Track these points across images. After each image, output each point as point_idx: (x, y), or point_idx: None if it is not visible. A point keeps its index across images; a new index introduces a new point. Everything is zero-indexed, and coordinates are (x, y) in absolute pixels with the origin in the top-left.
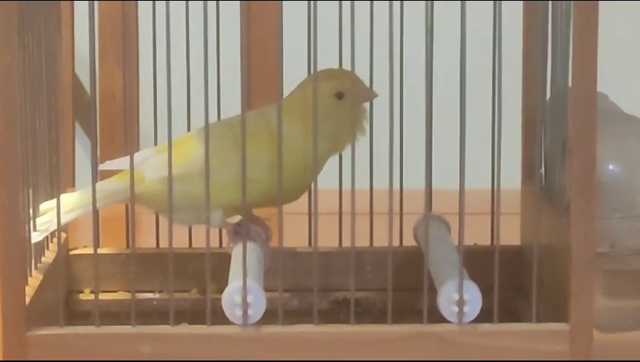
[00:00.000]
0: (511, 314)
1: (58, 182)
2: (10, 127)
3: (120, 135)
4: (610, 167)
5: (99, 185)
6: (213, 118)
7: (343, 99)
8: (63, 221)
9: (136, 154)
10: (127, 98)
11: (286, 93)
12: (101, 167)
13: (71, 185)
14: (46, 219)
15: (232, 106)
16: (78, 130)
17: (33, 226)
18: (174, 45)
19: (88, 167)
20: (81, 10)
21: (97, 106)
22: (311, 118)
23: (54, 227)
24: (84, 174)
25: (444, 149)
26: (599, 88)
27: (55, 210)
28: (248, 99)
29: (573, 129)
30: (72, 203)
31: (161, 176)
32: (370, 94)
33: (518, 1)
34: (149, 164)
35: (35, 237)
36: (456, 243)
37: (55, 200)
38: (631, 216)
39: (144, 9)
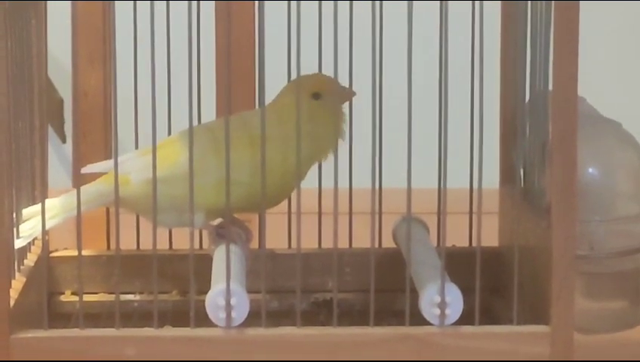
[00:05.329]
0: (488, 314)
1: (42, 186)
2: None
3: (92, 133)
4: (590, 170)
5: (82, 188)
6: (185, 123)
7: (320, 99)
8: (47, 227)
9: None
10: (113, 102)
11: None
12: (83, 170)
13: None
14: (29, 224)
15: (204, 112)
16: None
17: (16, 232)
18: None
19: (58, 166)
20: (52, 8)
21: (71, 107)
22: (290, 123)
23: (38, 233)
24: (56, 173)
25: (417, 147)
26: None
27: (38, 216)
28: (229, 104)
29: (554, 132)
30: (55, 208)
31: (148, 178)
32: (348, 94)
33: (496, 1)
34: (135, 167)
35: (19, 243)
36: (435, 244)
37: (37, 205)
38: (610, 219)
39: (122, 10)
